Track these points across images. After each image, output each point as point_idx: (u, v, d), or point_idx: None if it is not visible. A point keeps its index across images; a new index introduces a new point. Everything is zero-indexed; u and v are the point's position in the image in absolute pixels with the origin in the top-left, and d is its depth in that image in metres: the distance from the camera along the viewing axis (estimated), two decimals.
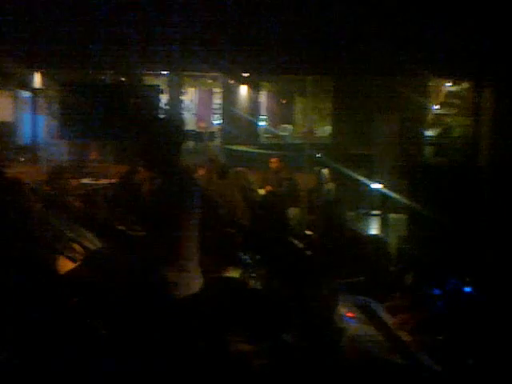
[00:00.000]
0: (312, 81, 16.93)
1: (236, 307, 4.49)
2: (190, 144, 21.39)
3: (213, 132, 23.19)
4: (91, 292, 4.15)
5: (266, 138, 22.58)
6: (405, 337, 3.77)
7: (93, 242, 4.91)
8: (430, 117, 18.82)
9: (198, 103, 27.60)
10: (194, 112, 27.07)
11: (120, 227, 4.72)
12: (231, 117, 19.22)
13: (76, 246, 4.74)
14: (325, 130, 21.98)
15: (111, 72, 14.03)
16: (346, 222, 7.68)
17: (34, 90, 12.18)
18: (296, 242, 6.09)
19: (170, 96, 21.16)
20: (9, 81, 11.66)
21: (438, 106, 21.25)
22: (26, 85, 12.79)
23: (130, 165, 3.71)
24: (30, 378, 3.76)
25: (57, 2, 7.16)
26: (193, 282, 3.68)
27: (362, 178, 9.91)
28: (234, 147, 16.91)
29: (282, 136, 23.36)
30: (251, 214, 8.10)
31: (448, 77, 15.20)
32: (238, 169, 8.57)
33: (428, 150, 15.59)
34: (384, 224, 8.02)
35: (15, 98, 11.96)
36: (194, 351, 3.58)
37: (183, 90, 23.66)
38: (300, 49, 7.96)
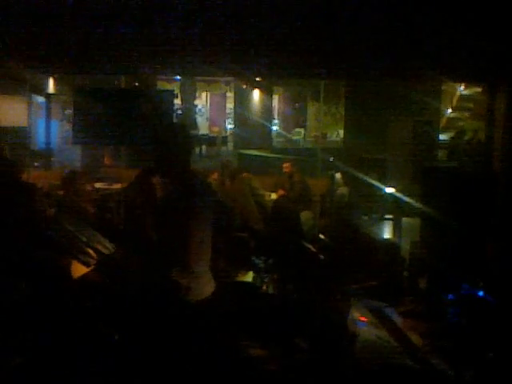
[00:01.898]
0: (325, 85, 16.95)
1: (248, 311, 4.49)
2: (203, 148, 21.50)
3: (226, 136, 23.28)
4: (104, 296, 4.17)
5: (279, 142, 22.61)
6: (418, 341, 3.76)
7: (106, 247, 4.93)
8: (443, 120, 18.77)
9: (211, 108, 27.72)
10: (207, 116, 27.19)
11: (133, 232, 4.74)
12: (244, 121, 19.26)
13: (90, 251, 4.76)
14: (338, 133, 21.96)
15: (125, 77, 14.11)
16: (359, 226, 7.66)
17: (47, 95, 12.26)
18: (309, 246, 6.08)
19: (184, 101, 21.30)
20: (23, 86, 11.74)
21: (451, 110, 21.20)
22: (40, 90, 12.88)
23: (142, 169, 3.70)
24: (42, 381, 3.78)
25: (70, 7, 7.20)
26: (205, 286, 3.69)
27: (374, 182, 9.88)
28: (247, 151, 16.91)
29: (295, 140, 23.36)
30: (264, 218, 8.10)
31: (461, 80, 15.15)
32: (244, 174, 8.56)
33: (441, 154, 15.55)
34: (397, 228, 7.98)
35: (29, 103, 12.03)
36: (206, 355, 3.58)
37: (196, 95, 23.81)
38: (313, 53, 7.94)
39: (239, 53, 7.77)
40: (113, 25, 7.37)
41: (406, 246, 6.63)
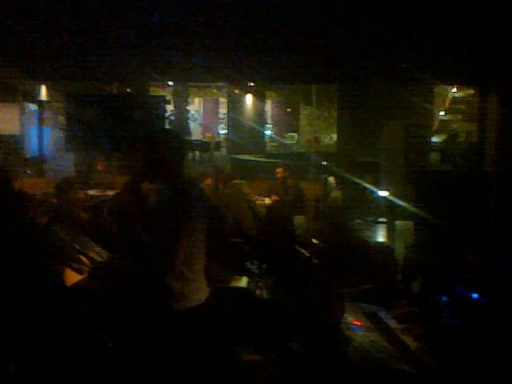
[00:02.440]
0: (317, 89, 17.01)
1: (242, 317, 4.49)
2: (196, 154, 21.50)
3: (219, 141, 23.29)
4: (97, 304, 4.16)
5: (272, 146, 22.65)
6: (412, 345, 3.75)
7: (100, 254, 4.92)
8: (435, 123, 18.83)
9: (204, 113, 27.76)
10: (200, 122, 27.21)
11: (126, 239, 4.73)
12: (237, 126, 19.26)
13: (83, 258, 4.75)
14: (330, 137, 22.01)
15: (117, 83, 14.11)
16: (353, 230, 7.67)
17: (40, 103, 12.24)
18: (302, 250, 6.08)
19: (176, 106, 21.29)
20: (15, 93, 11.72)
21: (443, 112, 21.27)
22: (33, 97, 12.86)
23: (134, 175, 3.69)
24: None
25: (61, 15, 7.20)
26: (199, 292, 3.68)
27: (368, 186, 9.89)
28: (240, 156, 16.93)
29: (288, 144, 23.40)
30: (257, 223, 8.10)
31: (453, 83, 15.20)
32: (235, 181, 8.57)
33: (434, 157, 15.59)
34: (390, 231, 7.99)
35: (22, 110, 12.01)
36: (200, 361, 3.58)
37: (189, 101, 23.82)
38: (305, 57, 7.97)
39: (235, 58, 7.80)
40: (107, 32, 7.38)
41: (399, 249, 6.64)
